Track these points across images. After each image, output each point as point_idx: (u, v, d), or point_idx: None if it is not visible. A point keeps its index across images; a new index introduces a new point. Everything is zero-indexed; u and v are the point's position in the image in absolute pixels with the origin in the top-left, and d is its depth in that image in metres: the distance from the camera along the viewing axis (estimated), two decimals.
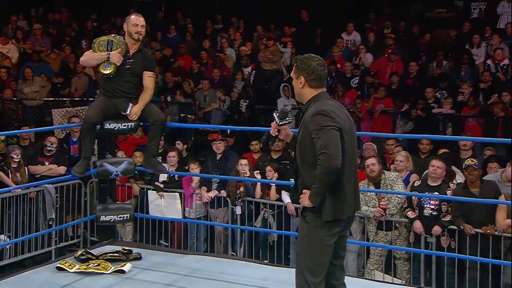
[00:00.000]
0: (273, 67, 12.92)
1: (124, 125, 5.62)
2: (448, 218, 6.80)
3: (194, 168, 8.34)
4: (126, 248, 5.77)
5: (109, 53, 5.49)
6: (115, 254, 5.63)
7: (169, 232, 8.51)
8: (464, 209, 6.69)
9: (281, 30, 14.29)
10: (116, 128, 5.61)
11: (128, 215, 5.80)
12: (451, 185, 6.91)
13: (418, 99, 10.63)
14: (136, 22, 5.59)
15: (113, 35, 5.74)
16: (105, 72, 5.52)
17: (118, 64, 5.53)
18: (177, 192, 8.34)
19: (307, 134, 3.74)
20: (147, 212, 8.47)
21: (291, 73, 3.93)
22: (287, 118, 4.04)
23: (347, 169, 3.76)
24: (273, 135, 4.11)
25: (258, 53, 13.08)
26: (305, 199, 3.77)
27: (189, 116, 11.29)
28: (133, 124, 5.65)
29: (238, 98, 11.73)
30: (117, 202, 6.35)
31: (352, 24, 13.42)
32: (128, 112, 5.55)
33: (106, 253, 5.65)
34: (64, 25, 15.13)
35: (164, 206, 8.44)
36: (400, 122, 10.64)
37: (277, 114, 4.05)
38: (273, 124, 4.07)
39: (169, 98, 12.35)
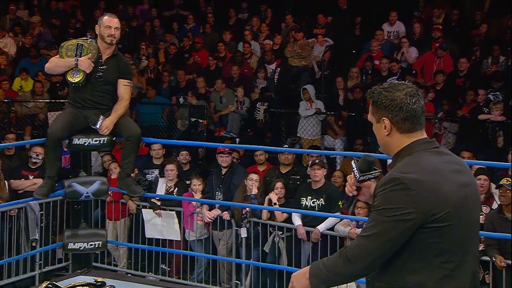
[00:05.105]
0: (302, 63, 12.91)
1: (96, 140, 5.72)
2: (480, 247, 6.67)
3: (197, 185, 8.43)
4: (99, 279, 5.84)
5: (77, 59, 5.58)
6: (84, 287, 5.70)
7: (168, 256, 8.63)
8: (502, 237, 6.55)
9: (314, 20, 14.21)
10: (86, 144, 5.72)
11: (100, 242, 5.88)
12: (483, 208, 6.79)
13: (466, 101, 10.47)
14: (109, 24, 5.68)
15: (84, 38, 5.83)
16: (73, 80, 5.62)
17: (88, 71, 5.62)
18: (175, 210, 8.43)
19: None
20: (143, 233, 8.61)
21: (368, 115, 3.02)
22: (372, 172, 3.06)
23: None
24: (350, 194, 3.16)
25: (284, 47, 13.05)
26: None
27: (201, 120, 11.34)
28: (105, 139, 5.75)
29: (255, 100, 11.73)
30: (105, 227, 6.44)
31: (396, 13, 13.22)
32: (98, 126, 5.63)
33: (75, 286, 5.72)
34: (68, 15, 15.42)
35: (163, 225, 8.54)
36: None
37: (357, 163, 3.08)
38: (350, 178, 3.13)
39: (181, 100, 12.46)
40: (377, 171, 3.07)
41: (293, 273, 3.03)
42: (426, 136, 2.91)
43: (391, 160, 3.01)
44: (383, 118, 2.89)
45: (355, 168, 3.06)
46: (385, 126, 2.89)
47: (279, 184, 8.04)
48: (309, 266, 2.96)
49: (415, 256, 2.73)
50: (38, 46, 13.87)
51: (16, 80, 12.74)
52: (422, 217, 2.67)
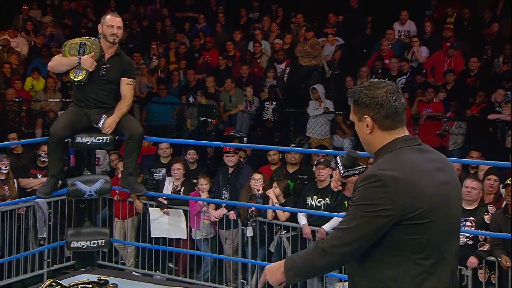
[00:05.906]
0: (312, 62, 12.87)
1: (99, 139, 5.74)
2: (486, 247, 6.66)
3: (204, 184, 8.45)
4: (103, 278, 5.86)
5: (80, 58, 5.61)
6: (87, 286, 5.71)
7: (175, 254, 8.65)
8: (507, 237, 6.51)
9: (325, 19, 14.18)
10: (89, 143, 5.74)
11: (103, 241, 5.91)
12: (489, 208, 6.74)
13: (476, 101, 10.43)
14: (111, 23, 5.70)
15: (87, 37, 5.86)
16: (76, 79, 5.65)
17: (91, 70, 5.65)
18: (181, 209, 8.46)
19: None
20: (150, 232, 8.64)
21: (350, 115, 3.02)
22: (357, 168, 3.11)
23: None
24: (335, 190, 3.26)
25: (295, 47, 13.03)
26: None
27: (210, 120, 11.35)
28: (108, 138, 5.76)
29: (263, 100, 11.73)
30: (100, 226, 6.48)
31: (407, 11, 13.17)
32: (100, 125, 5.66)
33: (78, 284, 5.74)
34: (80, 14, 15.51)
35: (169, 224, 8.57)
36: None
37: (342, 159, 3.14)
38: (335, 174, 3.20)
39: (191, 99, 12.48)
40: (361, 167, 3.11)
41: (266, 266, 3.03)
42: (408, 133, 2.91)
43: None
44: (365, 116, 2.90)
45: (340, 164, 3.11)
46: (367, 124, 2.90)
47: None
48: (284, 259, 2.98)
49: (392, 252, 2.74)
50: (50, 46, 13.95)
51: (27, 79, 12.84)
52: (399, 214, 2.68)
